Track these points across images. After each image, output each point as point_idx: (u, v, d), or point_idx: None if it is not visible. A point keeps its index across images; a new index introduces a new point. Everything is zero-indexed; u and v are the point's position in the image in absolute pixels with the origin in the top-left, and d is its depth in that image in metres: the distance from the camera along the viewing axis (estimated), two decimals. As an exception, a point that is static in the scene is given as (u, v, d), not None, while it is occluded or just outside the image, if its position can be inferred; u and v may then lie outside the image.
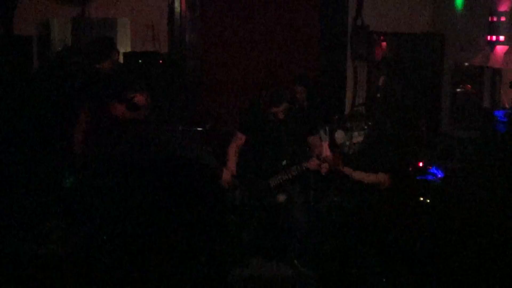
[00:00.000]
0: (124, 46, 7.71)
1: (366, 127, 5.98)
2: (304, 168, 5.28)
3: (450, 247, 4.77)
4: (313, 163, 5.23)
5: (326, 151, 5.07)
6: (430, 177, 5.56)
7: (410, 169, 5.94)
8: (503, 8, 6.44)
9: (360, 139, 4.91)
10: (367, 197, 4.92)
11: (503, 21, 6.40)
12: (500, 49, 6.55)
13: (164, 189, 1.47)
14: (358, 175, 4.77)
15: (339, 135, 5.66)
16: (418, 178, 5.69)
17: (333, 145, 4.96)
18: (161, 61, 7.49)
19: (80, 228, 4.20)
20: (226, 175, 5.36)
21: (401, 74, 7.06)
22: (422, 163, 5.97)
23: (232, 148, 5.62)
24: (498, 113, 5.89)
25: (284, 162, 5.40)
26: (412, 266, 4.63)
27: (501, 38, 6.44)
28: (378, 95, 4.73)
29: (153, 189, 1.56)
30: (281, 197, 5.37)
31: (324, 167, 5.11)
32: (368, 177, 4.73)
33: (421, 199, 5.52)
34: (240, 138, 5.62)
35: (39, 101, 6.20)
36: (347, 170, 4.78)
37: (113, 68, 6.00)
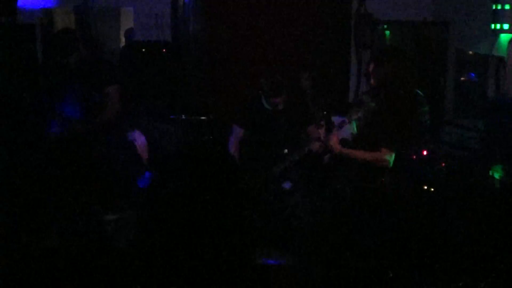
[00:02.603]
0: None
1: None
2: (306, 151, 5.24)
3: (453, 236, 4.78)
4: (316, 145, 5.18)
5: (323, 135, 5.05)
6: None
7: (414, 157, 5.94)
8: (507, -4, 6.43)
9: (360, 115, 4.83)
10: (370, 184, 4.90)
11: (507, 9, 6.39)
12: (505, 37, 6.55)
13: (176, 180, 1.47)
14: (357, 154, 4.71)
15: (334, 120, 5.66)
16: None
17: (329, 128, 4.93)
18: (164, 50, 7.48)
19: (84, 220, 4.21)
20: None
21: (408, 64, 7.04)
22: (426, 152, 5.97)
23: (231, 142, 5.63)
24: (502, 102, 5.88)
25: (285, 151, 5.40)
26: (414, 255, 4.64)
27: (505, 26, 6.43)
28: (372, 81, 4.70)
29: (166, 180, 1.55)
30: (287, 185, 5.38)
31: (324, 148, 5.06)
32: (369, 155, 4.68)
33: (425, 187, 5.53)
34: (238, 132, 5.63)
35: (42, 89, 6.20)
36: (345, 150, 4.73)
37: (82, 61, 5.67)
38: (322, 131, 5.12)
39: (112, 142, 5.61)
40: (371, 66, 4.67)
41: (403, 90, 4.54)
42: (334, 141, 4.68)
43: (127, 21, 7.38)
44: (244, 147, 5.69)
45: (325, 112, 5.29)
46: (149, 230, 1.72)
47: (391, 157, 4.56)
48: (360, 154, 4.63)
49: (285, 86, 5.40)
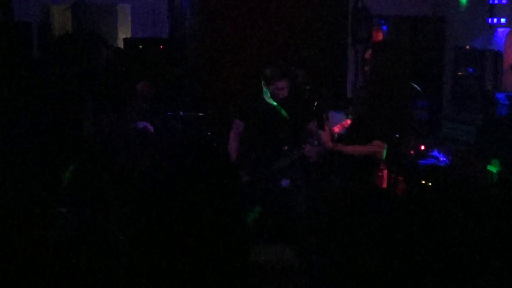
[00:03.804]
0: (124, 32, 7.69)
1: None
2: (301, 154, 5.27)
3: (451, 230, 4.78)
4: (307, 149, 5.20)
5: (315, 131, 5.06)
6: (432, 161, 5.55)
7: (412, 152, 5.93)
8: (504, -10, 6.42)
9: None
10: (368, 179, 4.90)
11: (504, 4, 6.39)
12: (502, 31, 6.55)
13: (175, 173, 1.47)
14: (351, 149, 4.72)
15: (332, 115, 5.66)
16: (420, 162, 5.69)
17: (321, 123, 4.93)
18: (161, 47, 7.48)
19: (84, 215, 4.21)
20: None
21: (402, 58, 7.04)
22: (424, 147, 5.98)
23: (232, 136, 5.61)
24: (500, 96, 5.88)
25: (285, 148, 5.39)
26: (413, 250, 4.64)
27: (502, 20, 6.43)
28: (366, 68, 4.70)
29: (163, 173, 1.55)
30: (285, 182, 5.37)
31: (318, 151, 5.06)
32: (362, 149, 4.68)
33: (423, 182, 5.53)
34: (239, 126, 5.61)
35: (40, 87, 6.21)
36: (337, 147, 4.74)
37: (107, 62, 5.86)
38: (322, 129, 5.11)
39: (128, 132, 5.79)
40: (368, 53, 4.68)
41: (396, 81, 4.55)
42: (325, 139, 4.69)
43: (124, 18, 7.37)
44: (244, 143, 5.68)
45: (315, 103, 5.26)
46: (142, 226, 1.71)
47: (383, 149, 4.56)
48: (352, 149, 4.64)
49: (288, 71, 5.41)
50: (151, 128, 6.04)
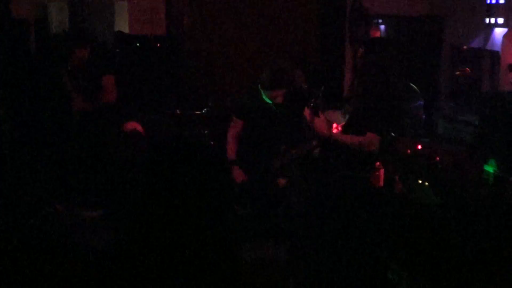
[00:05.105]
0: (122, 29, 7.68)
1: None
2: (305, 149, 5.25)
3: (447, 229, 4.79)
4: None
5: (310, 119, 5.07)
6: None
7: (409, 152, 5.93)
8: (501, -10, 6.42)
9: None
10: (364, 177, 4.91)
11: (501, 3, 6.39)
12: (499, 31, 6.55)
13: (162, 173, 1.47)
14: (345, 138, 4.73)
15: (332, 114, 5.67)
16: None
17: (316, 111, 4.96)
18: (159, 44, 7.47)
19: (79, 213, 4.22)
20: (236, 172, 5.41)
21: (395, 54, 7.05)
22: (421, 146, 5.97)
23: (230, 134, 5.62)
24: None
25: (283, 147, 5.39)
26: (408, 249, 4.65)
27: (500, 20, 6.43)
28: (358, 66, 4.73)
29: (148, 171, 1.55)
30: (282, 181, 5.37)
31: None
32: (356, 139, 4.70)
33: (420, 181, 5.53)
34: (237, 123, 5.61)
35: (38, 84, 6.23)
36: (335, 134, 4.75)
37: (80, 61, 6.09)
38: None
39: (112, 132, 5.95)
40: (359, 52, 4.71)
41: (388, 78, 4.57)
42: (321, 125, 4.69)
43: (121, 15, 7.36)
44: (241, 141, 5.69)
45: (312, 100, 5.24)
46: (131, 228, 1.70)
47: (377, 142, 4.58)
48: (347, 138, 4.66)
49: (285, 79, 5.39)
50: (141, 129, 6.07)
